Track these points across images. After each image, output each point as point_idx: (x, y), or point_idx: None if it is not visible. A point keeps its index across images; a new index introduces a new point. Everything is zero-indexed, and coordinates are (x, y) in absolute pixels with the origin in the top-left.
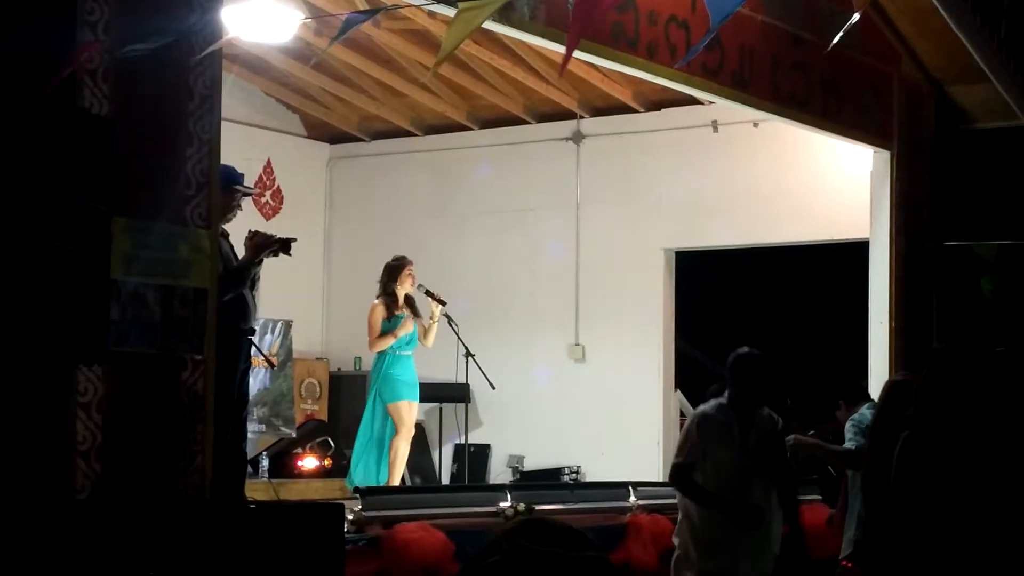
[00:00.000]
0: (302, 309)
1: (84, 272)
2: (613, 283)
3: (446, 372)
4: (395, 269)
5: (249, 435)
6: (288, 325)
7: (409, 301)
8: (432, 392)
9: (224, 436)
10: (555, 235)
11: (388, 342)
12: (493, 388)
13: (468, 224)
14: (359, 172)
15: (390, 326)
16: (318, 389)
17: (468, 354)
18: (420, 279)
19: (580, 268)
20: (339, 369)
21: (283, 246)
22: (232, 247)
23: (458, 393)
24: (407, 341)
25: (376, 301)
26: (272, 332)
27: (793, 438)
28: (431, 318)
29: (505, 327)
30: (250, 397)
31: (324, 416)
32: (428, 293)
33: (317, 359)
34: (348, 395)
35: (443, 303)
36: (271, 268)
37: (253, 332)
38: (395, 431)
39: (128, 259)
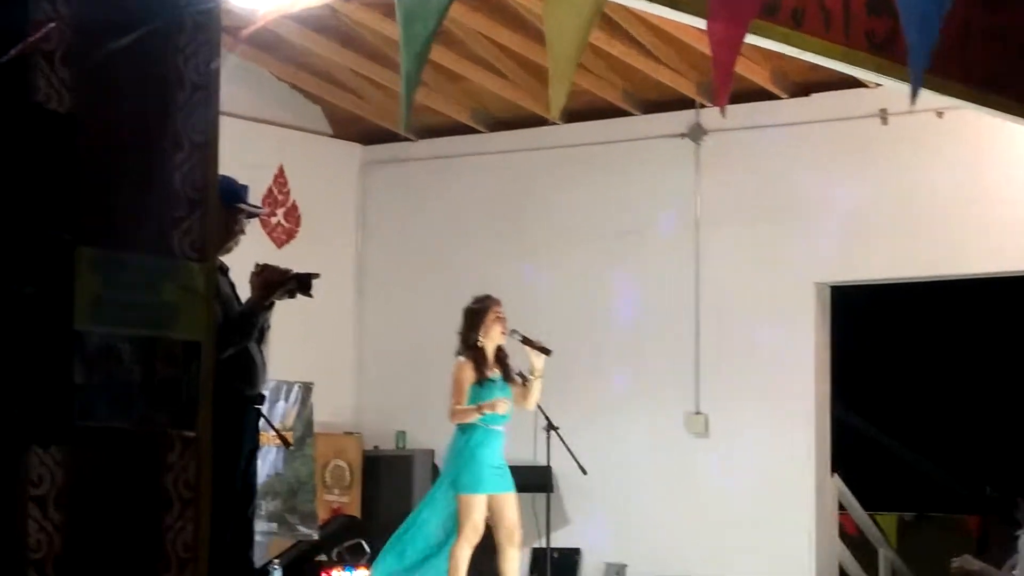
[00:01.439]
0: (327, 368)
1: (38, 321)
2: (746, 330)
3: (521, 451)
4: (478, 315)
5: (257, 537)
6: (308, 389)
7: (501, 357)
8: None
9: (223, 538)
10: (666, 266)
11: (473, 415)
12: (584, 473)
13: (548, 251)
14: (402, 182)
15: (481, 393)
16: (348, 475)
17: (550, 427)
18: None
19: (701, 311)
20: (376, 448)
21: (301, 284)
22: (234, 286)
23: (537, 479)
24: (500, 416)
25: (462, 359)
26: (287, 399)
27: (959, 562)
28: (531, 373)
29: (599, 391)
30: (258, 486)
31: (356, 510)
32: (526, 341)
33: (347, 434)
34: (389, 482)
35: (547, 352)
36: (285, 313)
37: (262, 400)
38: (457, 532)
39: (97, 303)
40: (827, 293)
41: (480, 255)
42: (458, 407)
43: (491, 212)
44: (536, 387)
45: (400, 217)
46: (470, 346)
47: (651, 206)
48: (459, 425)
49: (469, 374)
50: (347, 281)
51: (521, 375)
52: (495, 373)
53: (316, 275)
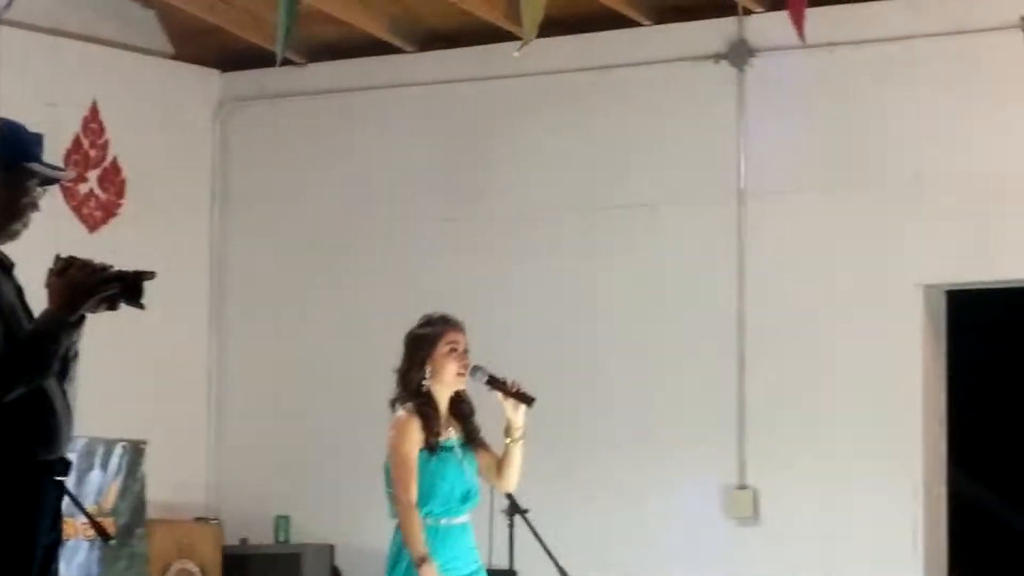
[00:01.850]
0: (167, 419)
1: None
2: (816, 359)
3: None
4: (423, 344)
5: None
6: (138, 451)
7: (461, 408)
8: None
9: None
10: (692, 257)
11: (413, 516)
12: None
13: (511, 235)
14: (282, 128)
15: (432, 467)
16: None
17: (514, 510)
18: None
19: (746, 327)
20: (244, 541)
21: (126, 288)
22: (21, 291)
23: None
24: (463, 496)
25: (402, 413)
26: (105, 466)
27: None
28: (507, 435)
29: (591, 453)
30: None
31: None
32: (494, 383)
33: (198, 521)
34: None
35: (529, 401)
36: (103, 334)
37: (67, 468)
38: None
39: None
40: (941, 301)
41: (407, 242)
42: (405, 497)
43: (424, 174)
44: (516, 455)
45: (279, 183)
46: (413, 392)
47: (670, 165)
48: (396, 517)
49: (415, 436)
50: (198, 283)
51: (496, 383)
52: (451, 434)
53: (150, 274)
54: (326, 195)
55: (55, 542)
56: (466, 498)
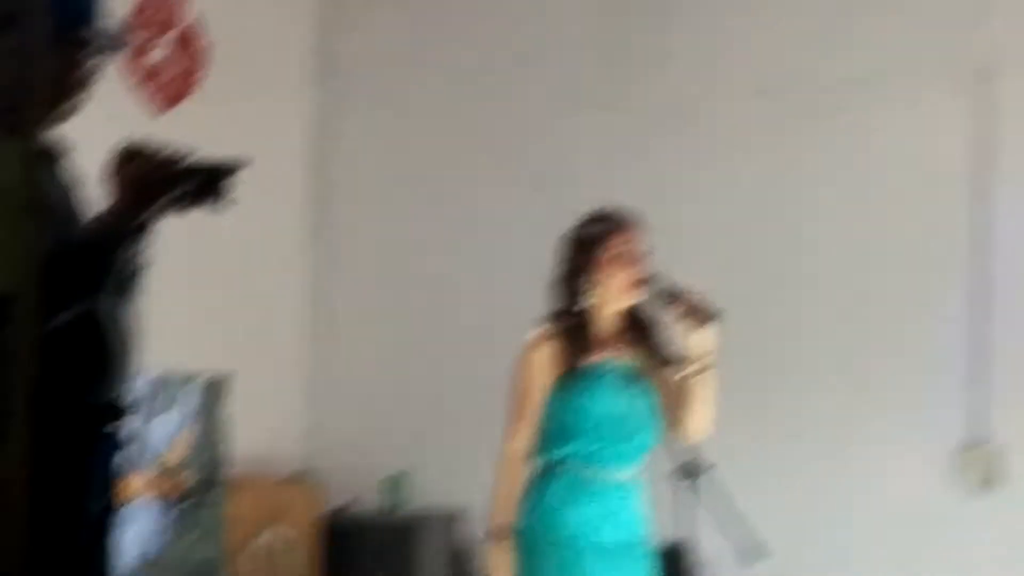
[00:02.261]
0: (255, 351)
1: None
2: None
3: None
4: (585, 245)
5: None
6: (216, 391)
7: (637, 325)
8: None
9: None
10: (925, 151)
11: (510, 469)
12: (762, 557)
13: (696, 121)
14: (409, 5)
15: (572, 400)
16: (294, 558)
17: (693, 470)
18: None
19: (993, 239)
20: (348, 505)
21: (205, 185)
22: (72, 187)
23: (675, 567)
24: (623, 436)
25: (536, 332)
26: (176, 409)
27: None
28: (686, 365)
29: (792, 403)
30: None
31: None
32: (671, 297)
33: (292, 479)
34: (374, 570)
35: (713, 317)
36: (176, 242)
37: (123, 412)
38: None
39: None
40: None
41: (559, 132)
42: (507, 441)
43: (580, 48)
44: (697, 392)
45: (397, 51)
46: (568, 309)
47: (895, 32)
48: (537, 462)
49: (543, 364)
50: (295, 178)
51: (677, 297)
52: (611, 356)
53: (234, 166)
54: (456, 70)
55: (109, 506)
56: (628, 440)
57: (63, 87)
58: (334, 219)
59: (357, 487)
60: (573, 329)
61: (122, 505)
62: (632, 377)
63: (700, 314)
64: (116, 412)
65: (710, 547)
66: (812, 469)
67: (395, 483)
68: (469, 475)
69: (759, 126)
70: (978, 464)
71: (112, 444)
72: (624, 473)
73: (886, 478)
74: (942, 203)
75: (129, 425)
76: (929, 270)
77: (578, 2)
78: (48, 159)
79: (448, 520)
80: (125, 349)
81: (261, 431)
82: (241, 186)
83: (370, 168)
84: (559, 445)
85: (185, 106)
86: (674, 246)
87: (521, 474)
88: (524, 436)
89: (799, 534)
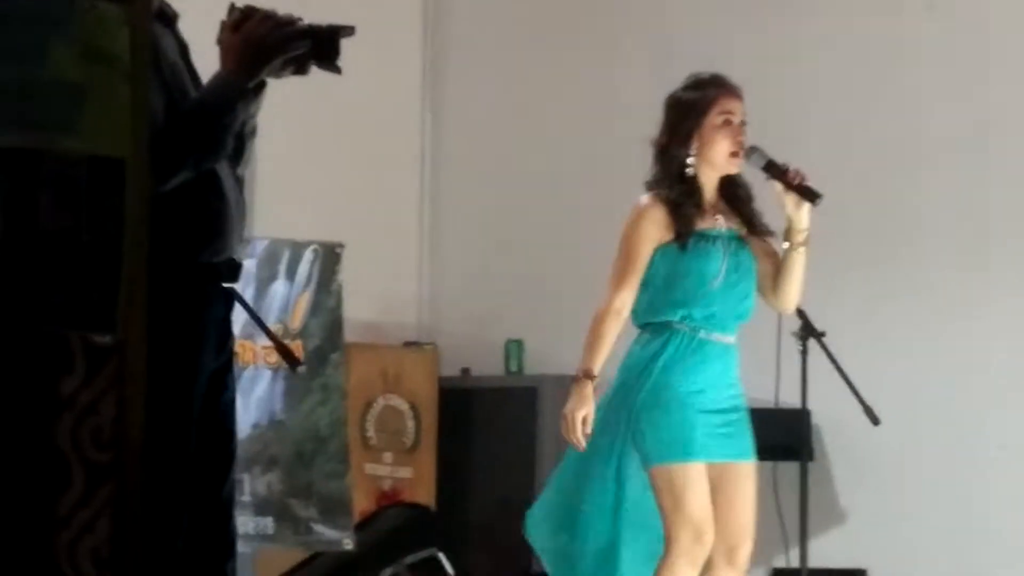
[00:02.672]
0: (368, 219)
1: None
2: None
3: (753, 382)
4: (689, 113)
5: (239, 545)
6: (334, 257)
7: (736, 195)
8: None
9: (170, 545)
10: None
11: (609, 323)
12: (876, 423)
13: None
14: None
15: (680, 265)
16: (412, 424)
17: (808, 333)
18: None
19: None
20: (466, 371)
21: (319, 47)
22: (185, 48)
23: (782, 436)
24: (735, 301)
25: (645, 198)
26: (291, 276)
27: None
28: (787, 238)
29: (909, 268)
30: (239, 444)
31: (428, 496)
32: (772, 169)
33: (409, 345)
34: (490, 440)
35: (814, 197)
36: (290, 105)
37: (236, 272)
38: (668, 539)
39: None
40: None
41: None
42: (610, 298)
43: None
44: (796, 264)
45: None
46: (674, 174)
47: None
48: (643, 324)
49: (653, 228)
50: (409, 40)
51: (775, 170)
52: (719, 222)
53: (348, 29)
54: None
55: (225, 366)
56: (738, 305)
57: None
58: (448, 85)
59: (474, 353)
60: (682, 195)
61: (243, 368)
62: (739, 244)
63: (805, 192)
64: (231, 271)
65: (822, 412)
66: (935, 332)
67: (513, 348)
68: (579, 344)
69: None
70: None
71: (227, 302)
72: (730, 337)
73: (999, 354)
74: None
75: (244, 286)
76: None
77: None
78: (160, 22)
79: (565, 384)
80: (240, 210)
81: (377, 299)
82: (356, 51)
83: (485, 33)
84: (673, 308)
85: None
86: (778, 118)
87: (615, 329)
88: (626, 296)
89: (911, 405)
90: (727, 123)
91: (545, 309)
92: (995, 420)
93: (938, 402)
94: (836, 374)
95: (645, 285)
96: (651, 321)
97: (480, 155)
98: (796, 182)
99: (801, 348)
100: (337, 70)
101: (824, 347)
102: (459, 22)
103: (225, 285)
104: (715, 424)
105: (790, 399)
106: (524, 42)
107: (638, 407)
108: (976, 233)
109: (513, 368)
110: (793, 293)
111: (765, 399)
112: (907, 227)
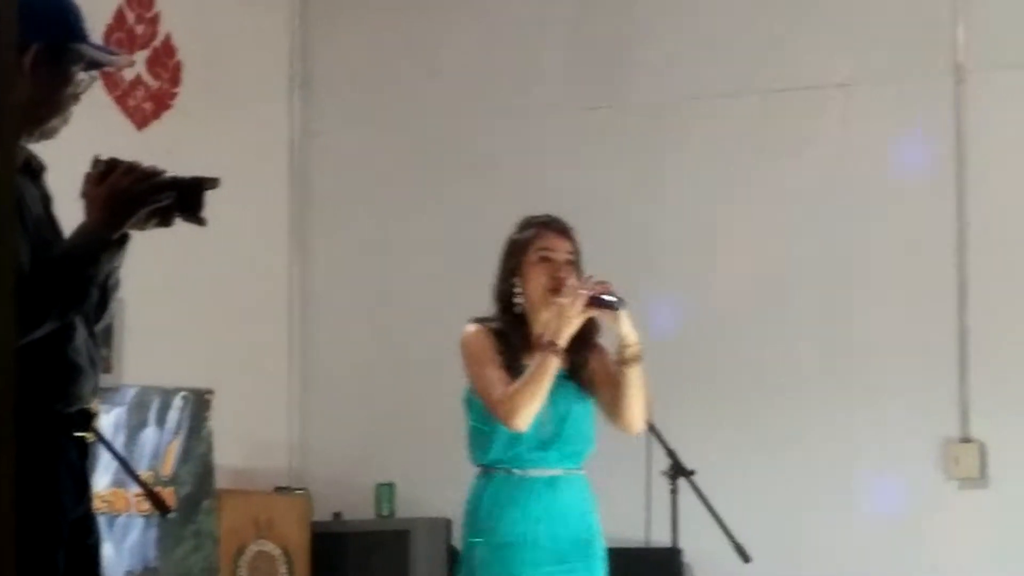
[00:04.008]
0: (239, 364)
1: None
2: None
3: (622, 520)
4: (513, 250)
5: None
6: (203, 403)
7: (580, 332)
8: None
9: None
10: (901, 150)
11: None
12: (747, 561)
13: (672, 123)
14: (380, 10)
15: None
16: (284, 569)
17: (677, 472)
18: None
19: (969, 235)
20: (337, 516)
21: (183, 198)
22: (48, 200)
23: (654, 575)
24: (542, 441)
25: (471, 327)
26: (162, 423)
27: None
28: (619, 355)
29: (771, 393)
30: None
31: None
32: (600, 302)
33: (280, 491)
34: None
35: (614, 306)
36: (156, 257)
37: (89, 421)
38: None
39: None
40: None
41: (535, 136)
42: (498, 394)
43: (554, 50)
44: (629, 381)
45: (374, 64)
46: (504, 311)
47: (868, 35)
48: (475, 465)
49: (488, 343)
50: (274, 192)
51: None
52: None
53: (212, 181)
54: (433, 77)
55: (85, 515)
56: (548, 444)
57: (48, 100)
58: (315, 231)
59: (346, 498)
60: (506, 326)
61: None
62: (566, 378)
63: (603, 304)
64: (84, 420)
65: (693, 550)
66: (800, 468)
67: (385, 492)
68: (454, 486)
69: (734, 127)
70: (963, 457)
71: (81, 452)
72: (563, 472)
73: (875, 475)
74: (921, 202)
75: (115, 433)
76: (912, 274)
77: (550, 10)
78: (26, 173)
79: (439, 527)
80: (93, 360)
81: (247, 445)
82: (221, 201)
83: (350, 180)
84: (496, 447)
85: (163, 122)
86: (648, 249)
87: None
88: (504, 386)
89: (785, 536)
90: (545, 260)
91: (415, 452)
92: (865, 556)
93: (810, 539)
94: (707, 512)
95: (467, 419)
96: (475, 463)
97: (348, 299)
98: (601, 297)
99: (671, 487)
100: (201, 222)
101: (694, 485)
102: (325, 170)
103: (77, 435)
104: (549, 566)
105: (661, 538)
106: (390, 187)
107: (466, 553)
108: (845, 373)
109: (384, 512)
110: (633, 412)
111: (636, 538)
112: (777, 365)
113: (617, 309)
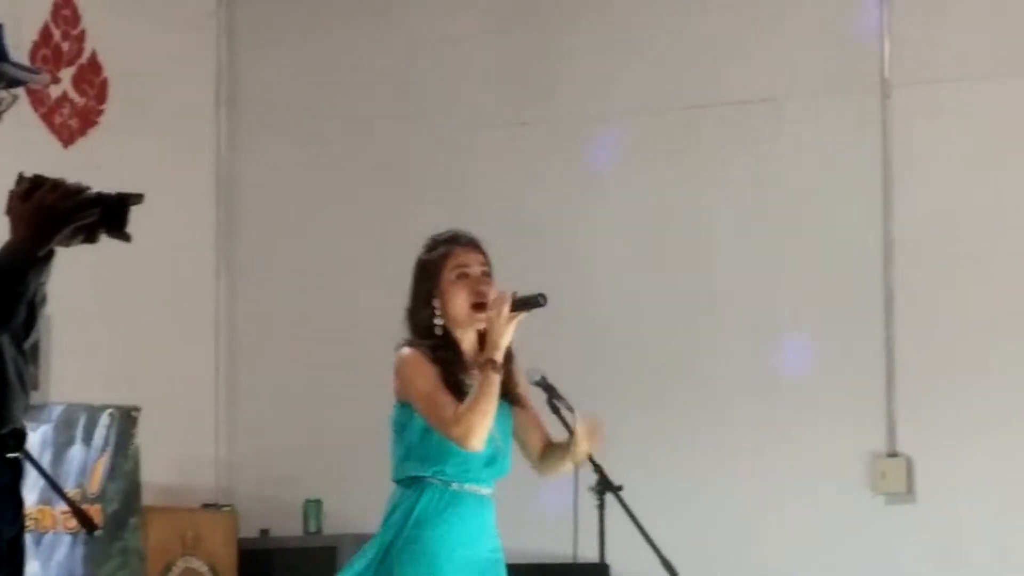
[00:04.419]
0: (165, 380)
1: None
2: (988, 286)
3: (548, 535)
4: (426, 270)
5: None
6: (129, 421)
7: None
8: None
9: None
10: (827, 165)
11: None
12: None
13: (600, 138)
14: (305, 13)
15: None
16: None
17: (605, 487)
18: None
19: (895, 250)
20: (264, 532)
21: (109, 215)
22: None
23: None
24: (487, 459)
25: (405, 349)
26: (88, 440)
27: None
28: (567, 452)
29: (700, 408)
30: None
31: None
32: (525, 303)
33: (207, 507)
34: None
35: (536, 304)
36: (82, 273)
37: (21, 441)
38: None
39: None
40: None
41: (462, 152)
42: (448, 415)
43: (482, 66)
44: (568, 467)
45: (301, 81)
46: (424, 336)
47: (795, 50)
48: (398, 480)
49: (430, 367)
50: (200, 208)
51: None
52: (477, 375)
53: (137, 197)
54: (360, 95)
55: (18, 534)
56: (491, 462)
57: None
58: (241, 249)
59: (273, 514)
60: (438, 349)
61: (42, 534)
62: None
63: (525, 304)
64: (16, 440)
65: (621, 566)
66: (728, 483)
67: (312, 508)
68: (382, 502)
69: (661, 142)
70: (890, 471)
71: (13, 472)
72: (487, 489)
73: (802, 491)
74: (847, 216)
75: (42, 451)
76: (838, 289)
77: (475, 26)
78: None
79: (364, 543)
80: (22, 379)
81: (174, 462)
82: (148, 218)
83: (276, 198)
84: (426, 463)
85: (89, 139)
86: (574, 264)
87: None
88: (452, 408)
89: (712, 551)
90: (463, 276)
91: (343, 468)
92: (792, 570)
93: (736, 554)
94: (635, 527)
95: (400, 437)
96: (405, 476)
97: (275, 316)
98: (516, 297)
99: (598, 502)
100: (127, 238)
101: (621, 501)
102: (251, 187)
103: (9, 456)
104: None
105: (588, 553)
106: (316, 204)
107: (390, 564)
108: (771, 387)
109: (312, 528)
110: (550, 475)
111: (563, 554)
112: (704, 380)
113: (544, 304)
